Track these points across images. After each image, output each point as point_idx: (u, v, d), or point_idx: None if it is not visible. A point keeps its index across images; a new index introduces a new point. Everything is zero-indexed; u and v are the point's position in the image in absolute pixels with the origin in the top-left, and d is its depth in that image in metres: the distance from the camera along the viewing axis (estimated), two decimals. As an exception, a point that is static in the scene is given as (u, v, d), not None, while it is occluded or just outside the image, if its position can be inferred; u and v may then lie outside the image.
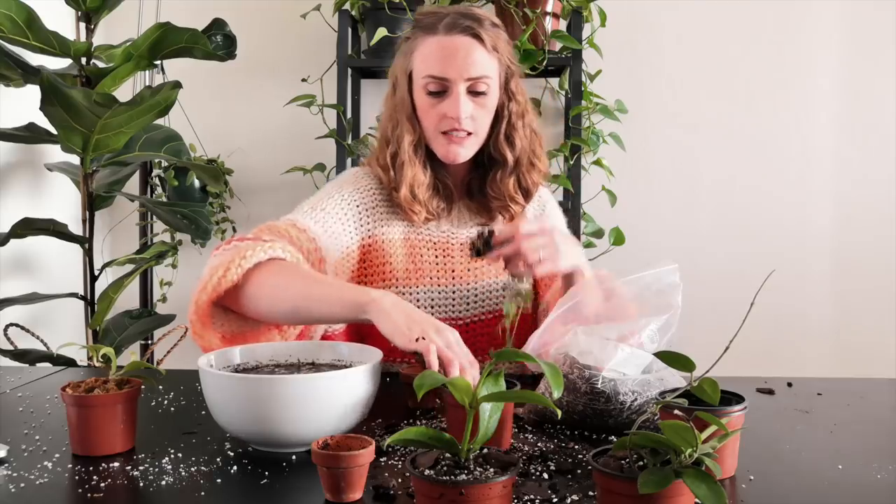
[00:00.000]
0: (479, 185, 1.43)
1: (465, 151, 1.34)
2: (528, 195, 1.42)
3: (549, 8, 2.22)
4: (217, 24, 2.04)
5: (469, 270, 1.40)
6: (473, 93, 1.31)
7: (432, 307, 1.37)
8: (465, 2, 2.06)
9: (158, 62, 2.18)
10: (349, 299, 1.07)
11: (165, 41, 1.89)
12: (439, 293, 1.38)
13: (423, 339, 0.96)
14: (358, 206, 1.37)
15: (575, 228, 2.16)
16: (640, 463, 0.68)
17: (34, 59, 1.95)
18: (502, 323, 1.15)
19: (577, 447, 0.95)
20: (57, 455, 0.92)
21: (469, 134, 1.32)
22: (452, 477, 0.67)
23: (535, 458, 0.90)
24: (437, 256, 1.39)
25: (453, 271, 1.39)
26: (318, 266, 1.26)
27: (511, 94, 1.37)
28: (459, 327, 1.37)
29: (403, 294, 1.36)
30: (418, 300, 1.37)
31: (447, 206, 1.41)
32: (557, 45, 2.25)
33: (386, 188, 1.38)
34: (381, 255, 1.36)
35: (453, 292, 1.38)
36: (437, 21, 1.31)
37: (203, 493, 0.80)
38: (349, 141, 2.32)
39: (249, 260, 1.14)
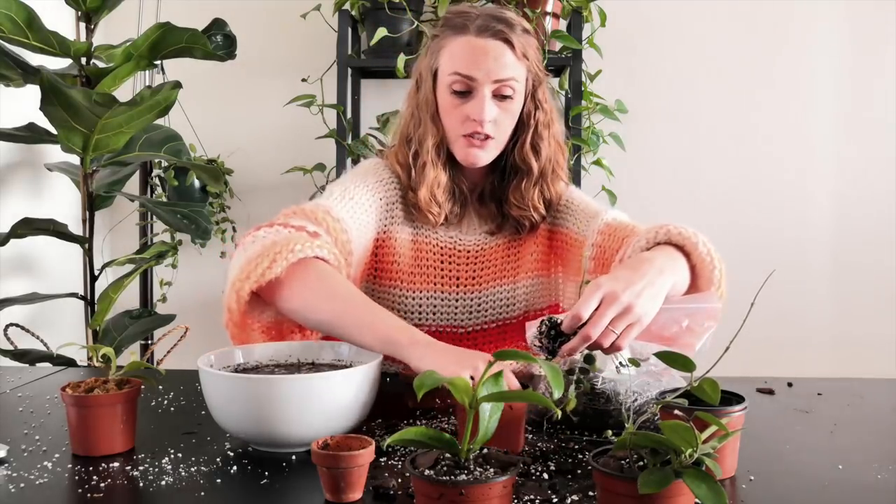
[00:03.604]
0: (492, 190, 1.39)
1: (485, 155, 1.30)
2: (549, 206, 1.39)
3: (549, 8, 2.22)
4: (217, 24, 2.04)
5: (474, 279, 1.37)
6: (499, 97, 1.27)
7: (434, 314, 1.35)
8: (467, 1, 2.05)
9: (158, 62, 2.18)
10: (384, 335, 1.05)
11: (165, 41, 1.89)
12: (442, 300, 1.36)
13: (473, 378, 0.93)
14: (381, 199, 1.34)
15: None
16: (640, 463, 0.68)
17: (34, 59, 1.95)
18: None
19: (577, 447, 0.95)
20: (57, 455, 0.92)
21: (489, 138, 1.29)
22: (452, 477, 0.67)
23: (535, 458, 0.90)
24: (441, 262, 1.36)
25: (458, 279, 1.37)
26: (347, 259, 1.23)
27: (538, 103, 1.34)
28: (462, 336, 1.36)
29: (406, 297, 1.35)
30: (420, 305, 1.35)
31: (460, 210, 1.38)
32: (557, 45, 2.25)
33: (402, 187, 1.36)
34: (390, 253, 1.35)
35: (456, 300, 1.36)
36: (468, 21, 1.27)
37: (203, 493, 0.80)
38: (349, 141, 2.32)
39: (296, 254, 1.10)
